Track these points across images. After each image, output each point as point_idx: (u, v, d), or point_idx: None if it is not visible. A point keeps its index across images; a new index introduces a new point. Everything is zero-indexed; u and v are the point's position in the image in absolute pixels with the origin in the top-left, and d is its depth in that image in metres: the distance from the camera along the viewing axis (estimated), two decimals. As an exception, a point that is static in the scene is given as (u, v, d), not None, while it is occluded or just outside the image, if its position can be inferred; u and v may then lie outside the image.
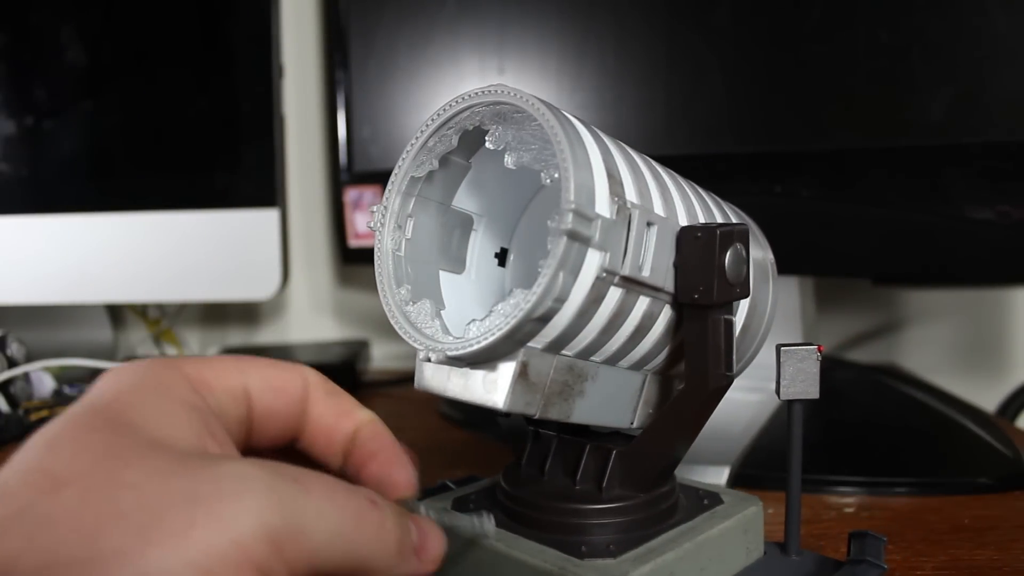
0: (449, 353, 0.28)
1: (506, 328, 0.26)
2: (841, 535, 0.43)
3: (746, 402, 0.60)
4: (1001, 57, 0.53)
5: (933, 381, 0.74)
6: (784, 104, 0.59)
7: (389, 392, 0.81)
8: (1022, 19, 0.52)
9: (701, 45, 0.61)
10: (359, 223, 0.78)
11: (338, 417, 0.29)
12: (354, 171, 0.78)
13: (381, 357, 0.95)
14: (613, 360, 0.32)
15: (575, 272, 0.26)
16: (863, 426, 0.60)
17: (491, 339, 0.27)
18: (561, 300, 0.27)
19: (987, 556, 0.40)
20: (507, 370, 0.28)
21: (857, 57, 0.56)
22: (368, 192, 0.77)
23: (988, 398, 0.74)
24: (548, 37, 0.66)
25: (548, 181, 0.27)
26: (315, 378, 0.29)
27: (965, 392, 0.71)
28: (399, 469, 0.29)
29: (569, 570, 0.29)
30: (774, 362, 0.34)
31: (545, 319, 0.27)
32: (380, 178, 0.76)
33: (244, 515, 0.21)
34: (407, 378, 0.84)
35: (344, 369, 0.80)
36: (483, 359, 0.28)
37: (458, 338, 0.28)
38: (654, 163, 0.34)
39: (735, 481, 0.49)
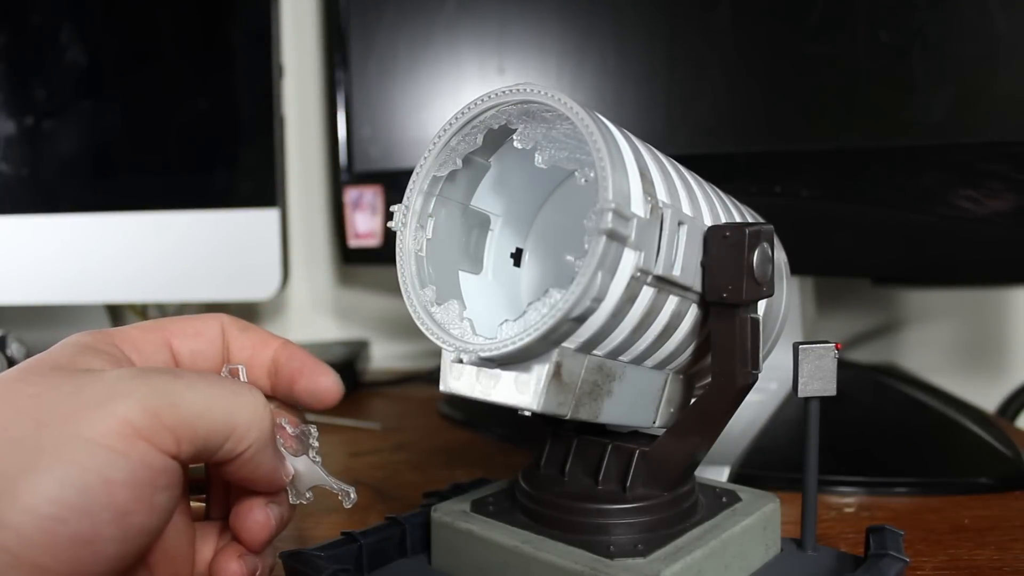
0: (482, 354, 0.28)
1: (543, 328, 0.26)
2: (842, 535, 0.43)
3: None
4: (1001, 57, 0.53)
5: (933, 381, 0.74)
6: (784, 104, 0.59)
7: (389, 392, 0.81)
8: (1022, 19, 0.52)
9: (701, 45, 0.61)
10: (359, 223, 0.77)
11: (255, 347, 0.34)
12: (354, 171, 0.77)
13: (381, 357, 0.95)
14: (639, 360, 0.32)
15: (612, 271, 0.26)
16: (863, 426, 0.60)
17: (528, 339, 0.26)
18: (599, 300, 0.26)
19: (987, 556, 0.40)
20: (541, 371, 0.28)
21: (857, 57, 0.56)
22: (368, 192, 0.77)
23: (988, 398, 0.74)
24: (548, 37, 0.66)
25: (584, 180, 0.27)
26: (228, 319, 0.34)
27: (965, 392, 0.71)
28: (324, 378, 0.33)
29: (601, 570, 0.29)
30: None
31: (582, 319, 0.27)
32: (380, 178, 0.76)
33: (123, 398, 0.25)
34: (407, 378, 0.84)
35: (344, 369, 0.79)
36: (517, 360, 0.28)
37: (490, 339, 0.28)
38: (676, 162, 0.34)
39: (735, 481, 0.49)
